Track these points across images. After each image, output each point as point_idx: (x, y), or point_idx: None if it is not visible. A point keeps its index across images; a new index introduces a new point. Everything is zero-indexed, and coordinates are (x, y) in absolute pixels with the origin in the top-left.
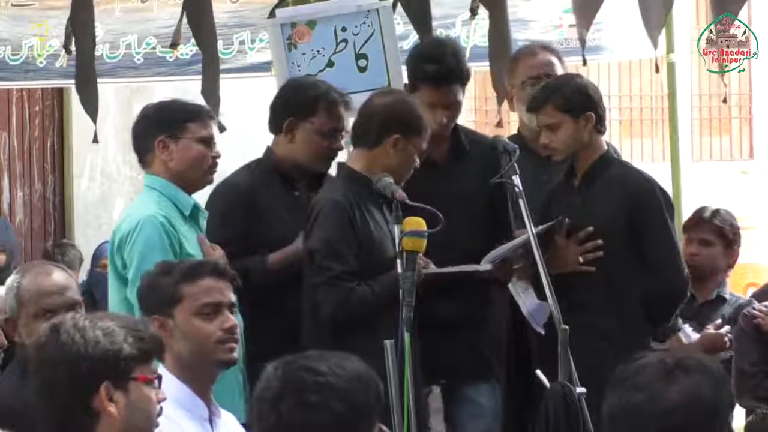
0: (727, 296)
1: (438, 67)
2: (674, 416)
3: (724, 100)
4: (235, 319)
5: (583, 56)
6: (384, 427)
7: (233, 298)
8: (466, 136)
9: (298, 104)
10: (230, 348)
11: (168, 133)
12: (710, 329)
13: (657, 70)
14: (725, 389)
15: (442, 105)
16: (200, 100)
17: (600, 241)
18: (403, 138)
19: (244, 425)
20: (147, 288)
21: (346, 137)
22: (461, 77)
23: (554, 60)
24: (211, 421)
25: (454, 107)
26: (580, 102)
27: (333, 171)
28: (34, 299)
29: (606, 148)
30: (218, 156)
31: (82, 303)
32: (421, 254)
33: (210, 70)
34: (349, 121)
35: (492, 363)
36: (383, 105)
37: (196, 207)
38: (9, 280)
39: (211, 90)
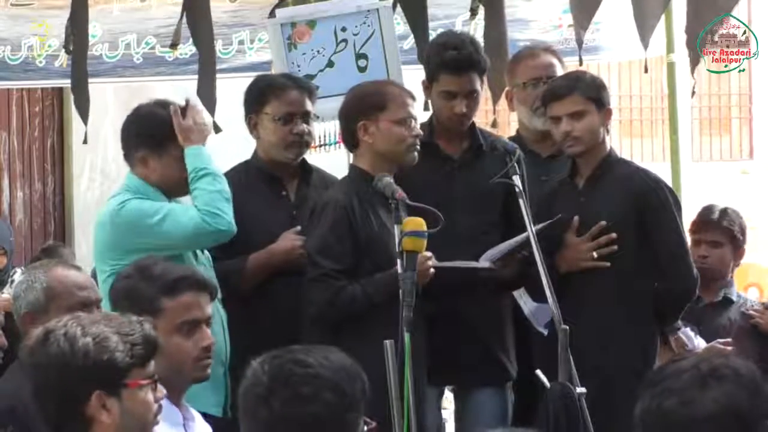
0: (734, 297)
1: (457, 53)
2: (706, 425)
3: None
4: (211, 336)
5: (580, 56)
6: (368, 419)
7: (210, 311)
8: (483, 136)
9: (251, 100)
10: (205, 365)
11: (149, 149)
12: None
13: (646, 70)
14: (760, 398)
15: (461, 93)
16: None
17: (614, 235)
18: (367, 121)
19: (215, 418)
20: (125, 292)
21: (313, 123)
22: (480, 65)
23: (555, 62)
24: (185, 426)
25: (473, 97)
26: (602, 95)
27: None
28: (69, 291)
29: (609, 147)
30: None
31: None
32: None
33: (206, 70)
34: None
35: (506, 367)
36: (340, 107)
37: None
38: (24, 277)
39: (207, 91)
